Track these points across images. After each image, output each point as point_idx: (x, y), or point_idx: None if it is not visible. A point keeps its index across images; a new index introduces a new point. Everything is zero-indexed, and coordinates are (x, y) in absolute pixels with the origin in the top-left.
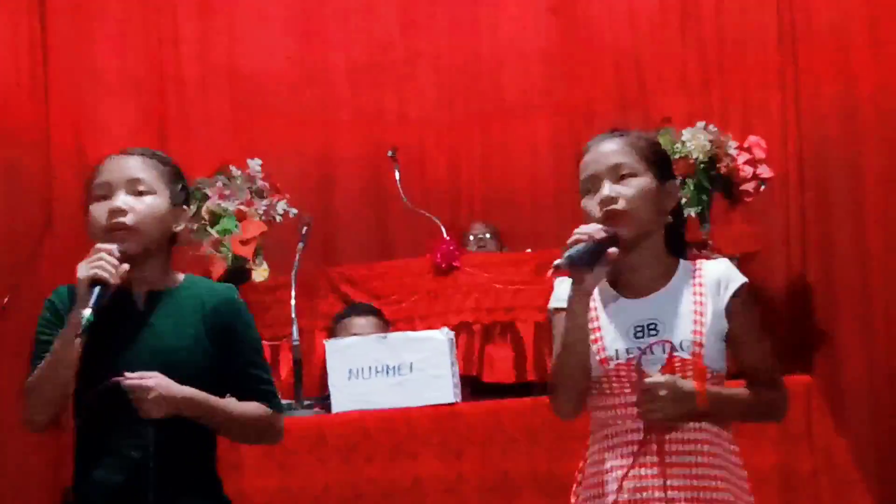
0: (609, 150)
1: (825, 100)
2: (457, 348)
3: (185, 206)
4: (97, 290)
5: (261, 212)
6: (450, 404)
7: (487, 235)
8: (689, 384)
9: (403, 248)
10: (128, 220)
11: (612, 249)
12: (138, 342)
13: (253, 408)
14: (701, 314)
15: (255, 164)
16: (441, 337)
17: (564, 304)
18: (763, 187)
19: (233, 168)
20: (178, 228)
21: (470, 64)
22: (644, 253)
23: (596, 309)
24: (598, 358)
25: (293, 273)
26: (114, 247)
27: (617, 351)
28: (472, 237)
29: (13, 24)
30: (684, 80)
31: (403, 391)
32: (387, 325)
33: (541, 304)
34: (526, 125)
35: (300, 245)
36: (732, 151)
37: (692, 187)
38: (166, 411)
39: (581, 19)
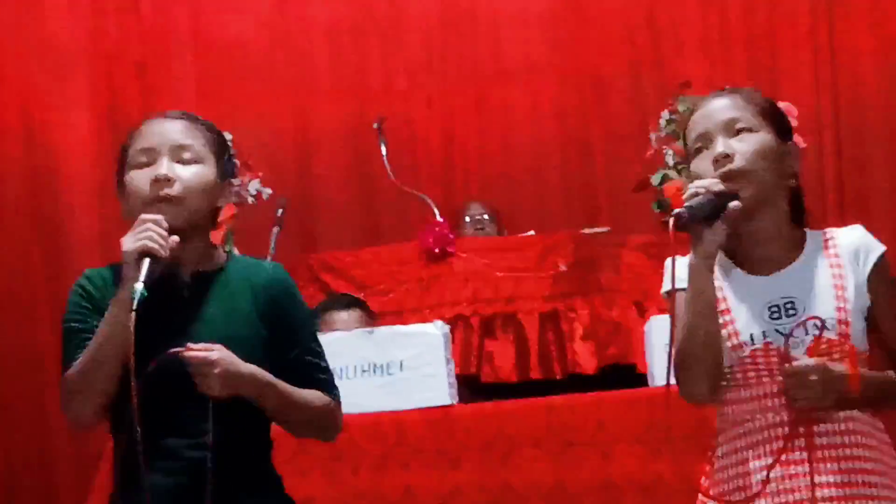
0: (722, 104)
1: (863, 61)
2: (452, 344)
3: (231, 180)
4: (147, 262)
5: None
6: (445, 407)
7: (485, 217)
8: (840, 367)
9: (391, 232)
10: (174, 190)
11: (734, 203)
12: (186, 331)
13: (315, 396)
14: (843, 288)
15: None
16: (434, 331)
17: (682, 285)
18: None
19: None
20: (223, 203)
21: (464, 24)
22: (767, 222)
23: (721, 289)
24: (729, 344)
25: (268, 261)
26: (161, 217)
27: (752, 335)
28: (468, 219)
29: None
30: (705, 41)
31: (392, 393)
32: (373, 318)
33: (546, 294)
34: (528, 93)
35: (275, 229)
36: None
37: None
38: (230, 389)
39: None
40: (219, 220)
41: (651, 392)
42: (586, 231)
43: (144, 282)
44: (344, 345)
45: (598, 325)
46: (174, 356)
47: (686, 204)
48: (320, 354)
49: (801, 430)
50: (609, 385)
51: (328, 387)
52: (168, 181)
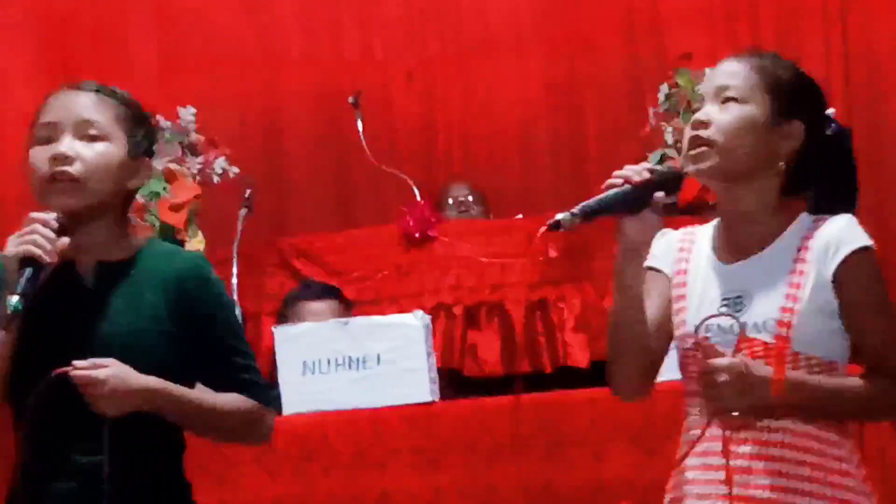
0: (724, 69)
1: (879, 32)
2: (433, 336)
3: (146, 157)
4: (28, 271)
5: (194, 171)
6: (425, 403)
7: (469, 198)
8: (763, 370)
9: (368, 215)
10: (73, 168)
11: (659, 194)
12: (87, 327)
13: (233, 400)
14: (798, 286)
15: (186, 114)
16: (414, 322)
17: (654, 263)
18: None
19: (160, 118)
20: (136, 184)
21: None
22: (746, 202)
23: (687, 272)
24: (678, 333)
25: (234, 245)
26: (51, 216)
27: (696, 328)
28: (450, 200)
29: None
30: (707, 9)
31: (369, 388)
32: (348, 308)
33: (533, 281)
34: (515, 64)
35: (243, 211)
36: None
37: None
38: (124, 407)
39: None
40: (177, 202)
41: None
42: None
43: (22, 294)
44: (317, 337)
45: (590, 314)
46: (61, 377)
47: (580, 205)
48: (242, 352)
49: (719, 433)
50: (602, 380)
51: (252, 388)
52: (66, 159)
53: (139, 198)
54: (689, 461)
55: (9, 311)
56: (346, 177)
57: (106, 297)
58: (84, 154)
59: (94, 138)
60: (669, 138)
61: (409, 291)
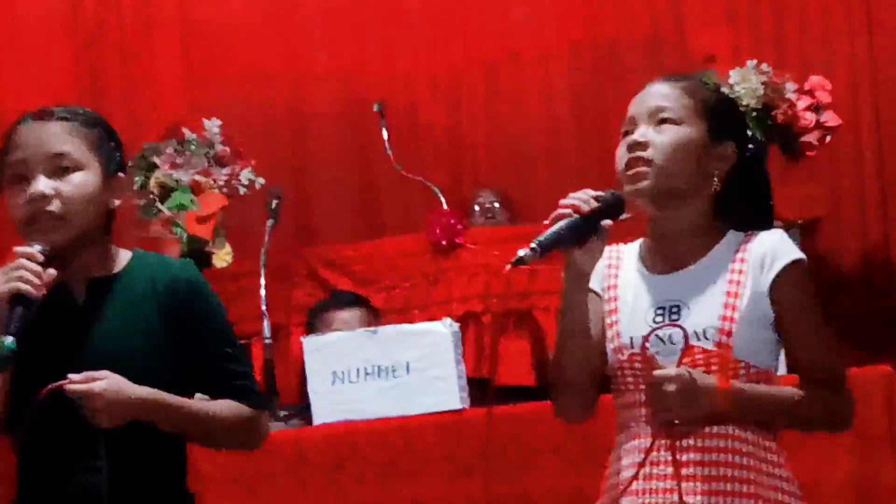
0: (656, 91)
1: None
2: (462, 344)
3: (120, 174)
4: (19, 310)
5: (221, 182)
6: (455, 411)
7: (496, 204)
8: (708, 379)
9: (395, 224)
10: (53, 207)
11: (606, 222)
12: (81, 344)
13: (227, 407)
14: (735, 295)
15: (212, 126)
16: (443, 330)
17: (593, 286)
18: (829, 138)
19: (186, 131)
20: (117, 203)
21: None
22: (679, 220)
23: (617, 287)
24: (612, 346)
25: (262, 256)
26: (36, 248)
27: (632, 339)
28: (477, 207)
29: None
30: (730, 13)
31: (399, 397)
32: (377, 317)
33: (561, 288)
34: (539, 70)
35: (270, 222)
36: (791, 95)
37: None
38: (120, 418)
39: None
40: (204, 214)
41: None
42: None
43: (15, 333)
44: (345, 346)
45: None
46: (55, 391)
47: (535, 241)
48: (235, 358)
49: (664, 443)
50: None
51: (245, 393)
52: (45, 199)
53: (167, 210)
54: (628, 472)
55: (3, 353)
56: (373, 186)
57: (99, 313)
58: (61, 190)
59: (67, 170)
60: None
61: (437, 299)
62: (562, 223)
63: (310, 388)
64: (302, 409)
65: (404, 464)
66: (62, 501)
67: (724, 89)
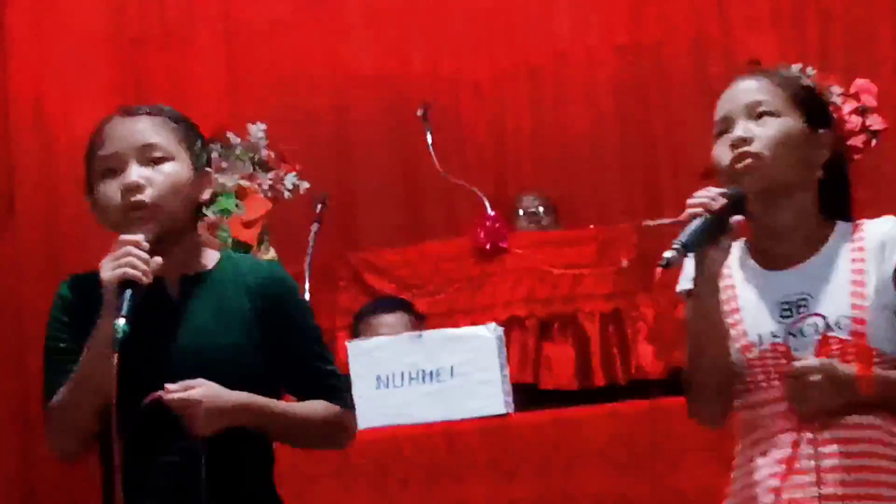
0: (748, 86)
1: None
2: (507, 348)
3: (207, 168)
4: (128, 293)
5: (266, 187)
6: (500, 416)
7: (540, 209)
8: (849, 368)
9: (439, 228)
10: (147, 196)
11: (737, 217)
12: (175, 339)
13: (319, 407)
14: (861, 284)
15: (256, 131)
16: (487, 335)
17: (688, 285)
18: (875, 142)
19: (230, 135)
20: (205, 197)
21: (513, 3)
22: (788, 213)
23: (733, 286)
24: (738, 346)
25: (307, 261)
26: (140, 237)
27: (760, 336)
28: (521, 212)
29: None
30: (775, 15)
31: (443, 401)
32: (421, 321)
33: (607, 292)
34: (584, 75)
35: (314, 226)
36: (836, 99)
37: None
38: (219, 424)
39: None
40: (249, 219)
41: None
42: (649, 223)
43: (126, 316)
44: (390, 350)
45: (663, 325)
46: (155, 402)
47: (677, 242)
48: (326, 358)
49: (808, 436)
50: (676, 390)
51: (336, 393)
52: (139, 188)
53: (211, 215)
54: (765, 469)
55: (118, 335)
56: (417, 190)
57: (192, 309)
58: (154, 178)
59: (159, 160)
60: None
61: (481, 304)
62: (696, 222)
63: (354, 392)
64: None
65: (449, 468)
66: (161, 500)
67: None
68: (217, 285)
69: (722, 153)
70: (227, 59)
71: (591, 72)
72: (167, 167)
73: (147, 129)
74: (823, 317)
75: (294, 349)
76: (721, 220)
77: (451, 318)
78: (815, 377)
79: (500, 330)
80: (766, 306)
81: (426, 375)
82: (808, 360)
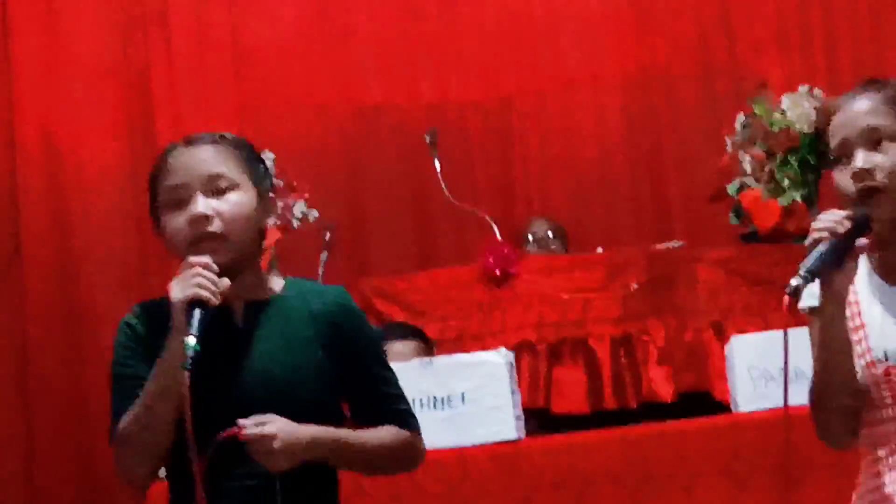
0: (862, 109)
1: None
2: (518, 373)
3: (270, 191)
4: (198, 312)
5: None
6: (512, 441)
7: (549, 234)
8: None
9: (448, 254)
10: (215, 227)
11: (862, 241)
12: (242, 366)
13: (389, 434)
14: None
15: (265, 159)
16: (498, 360)
17: (812, 302)
18: None
19: None
20: (270, 223)
21: (521, 28)
22: None
23: (858, 303)
24: (863, 362)
25: None
26: (208, 259)
27: (886, 352)
28: (531, 237)
29: None
30: (782, 38)
31: (455, 427)
32: (431, 347)
33: (617, 316)
34: (592, 99)
35: (323, 254)
36: None
37: (795, 165)
38: (295, 460)
39: None
40: (264, 242)
41: (735, 419)
42: (658, 246)
43: (196, 335)
44: (401, 377)
45: (673, 348)
46: (229, 438)
47: (804, 268)
48: (393, 382)
49: None
50: (687, 413)
51: (405, 417)
52: (207, 219)
53: None
54: (890, 482)
55: (189, 354)
56: (426, 217)
57: (257, 335)
58: (221, 209)
59: (224, 190)
60: (747, 167)
61: (491, 329)
62: (821, 247)
63: None
64: None
65: (461, 494)
66: None
67: (777, 115)
68: (282, 312)
69: (845, 182)
70: (236, 87)
71: (599, 97)
72: (233, 196)
73: (211, 159)
74: None
75: (361, 375)
76: (846, 243)
77: (461, 343)
78: None
79: (511, 355)
80: (892, 322)
81: (437, 402)
82: None
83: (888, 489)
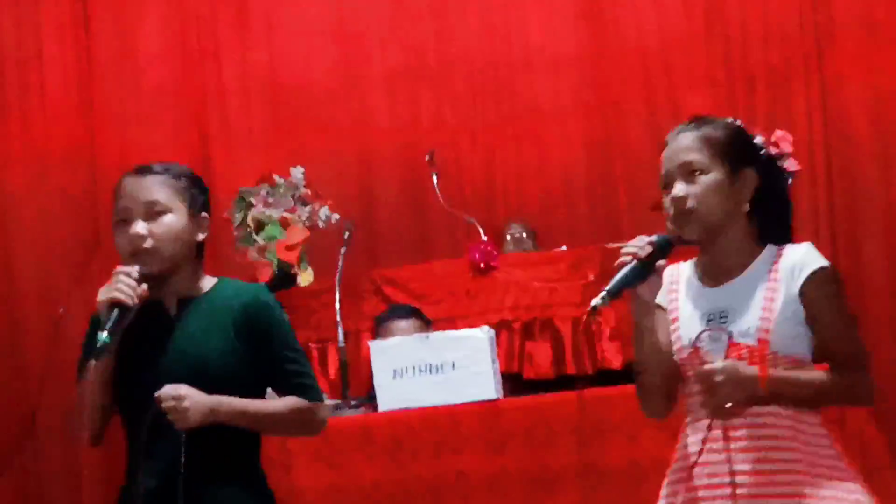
0: (681, 146)
1: (851, 90)
2: (497, 346)
3: (204, 213)
4: (115, 312)
5: (304, 218)
6: (492, 400)
7: (524, 235)
8: (751, 369)
9: (442, 250)
10: (147, 244)
11: (660, 262)
12: (170, 347)
13: (288, 403)
14: (771, 300)
15: (297, 173)
16: (481, 335)
17: (660, 301)
18: (790, 181)
19: (276, 177)
20: (203, 237)
21: (502, 68)
22: (722, 242)
23: (677, 299)
24: (675, 347)
25: (337, 276)
26: (134, 268)
27: (690, 339)
28: (508, 237)
29: (59, 38)
30: (710, 75)
31: (446, 389)
32: (428, 325)
33: (577, 301)
34: (558, 126)
35: (343, 249)
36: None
37: None
38: (198, 420)
39: (609, 23)
40: (291, 243)
41: None
42: (611, 245)
43: (110, 330)
44: (404, 349)
45: (623, 326)
46: (155, 403)
47: (605, 290)
48: (299, 361)
49: (718, 423)
50: (633, 379)
51: (305, 390)
52: (141, 238)
53: (261, 241)
54: (693, 447)
55: (98, 345)
56: (425, 219)
57: (185, 324)
58: (154, 230)
59: (159, 213)
60: None
61: (476, 311)
62: (625, 270)
63: (375, 382)
64: (369, 398)
65: (450, 443)
66: (151, 479)
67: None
68: (208, 305)
69: (668, 206)
70: (272, 116)
71: (564, 124)
72: (166, 219)
73: (151, 188)
74: (725, 330)
75: (270, 356)
76: (648, 264)
77: (452, 322)
78: (719, 378)
79: (492, 332)
80: (697, 316)
81: (433, 368)
82: (716, 363)
83: (690, 449)
